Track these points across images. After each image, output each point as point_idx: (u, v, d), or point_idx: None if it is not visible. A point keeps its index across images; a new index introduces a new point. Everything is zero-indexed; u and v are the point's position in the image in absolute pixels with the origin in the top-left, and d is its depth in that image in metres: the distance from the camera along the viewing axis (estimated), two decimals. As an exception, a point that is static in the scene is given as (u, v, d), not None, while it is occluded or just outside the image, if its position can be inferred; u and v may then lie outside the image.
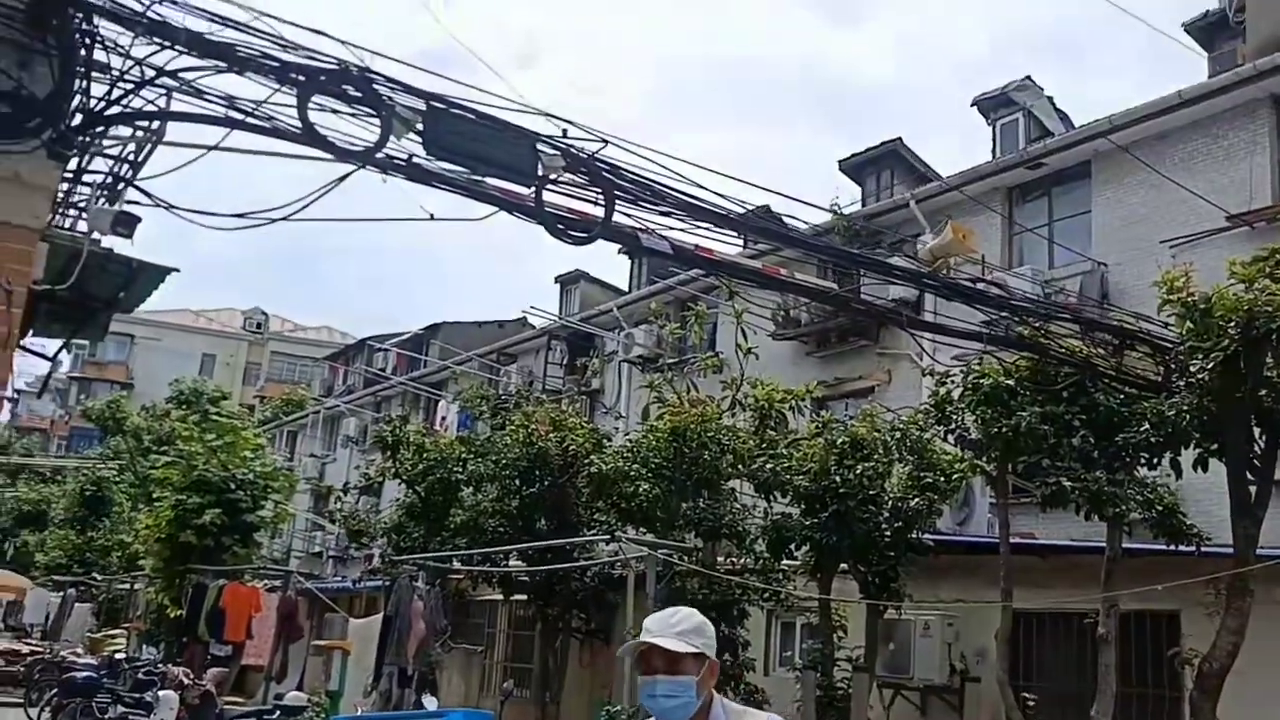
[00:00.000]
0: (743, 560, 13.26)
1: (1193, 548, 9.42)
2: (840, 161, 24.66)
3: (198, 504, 22.44)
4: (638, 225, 6.74)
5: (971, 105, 22.72)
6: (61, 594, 33.24)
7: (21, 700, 21.99)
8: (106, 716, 16.35)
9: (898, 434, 10.90)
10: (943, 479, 10.60)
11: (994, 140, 21.69)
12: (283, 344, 71.06)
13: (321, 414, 41.12)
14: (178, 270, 6.98)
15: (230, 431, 23.81)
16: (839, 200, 20.17)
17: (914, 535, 11.15)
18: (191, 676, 17.42)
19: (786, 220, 9.26)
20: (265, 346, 70.94)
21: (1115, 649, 9.39)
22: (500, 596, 18.39)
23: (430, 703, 12.83)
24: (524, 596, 17.17)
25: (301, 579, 19.85)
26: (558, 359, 30.08)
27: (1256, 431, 8.46)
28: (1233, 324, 7.80)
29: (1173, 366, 8.60)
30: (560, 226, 6.35)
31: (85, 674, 18.08)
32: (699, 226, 7.16)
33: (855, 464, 10.80)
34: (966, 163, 19.36)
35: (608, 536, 12.19)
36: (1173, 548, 9.53)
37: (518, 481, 15.75)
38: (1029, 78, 22.09)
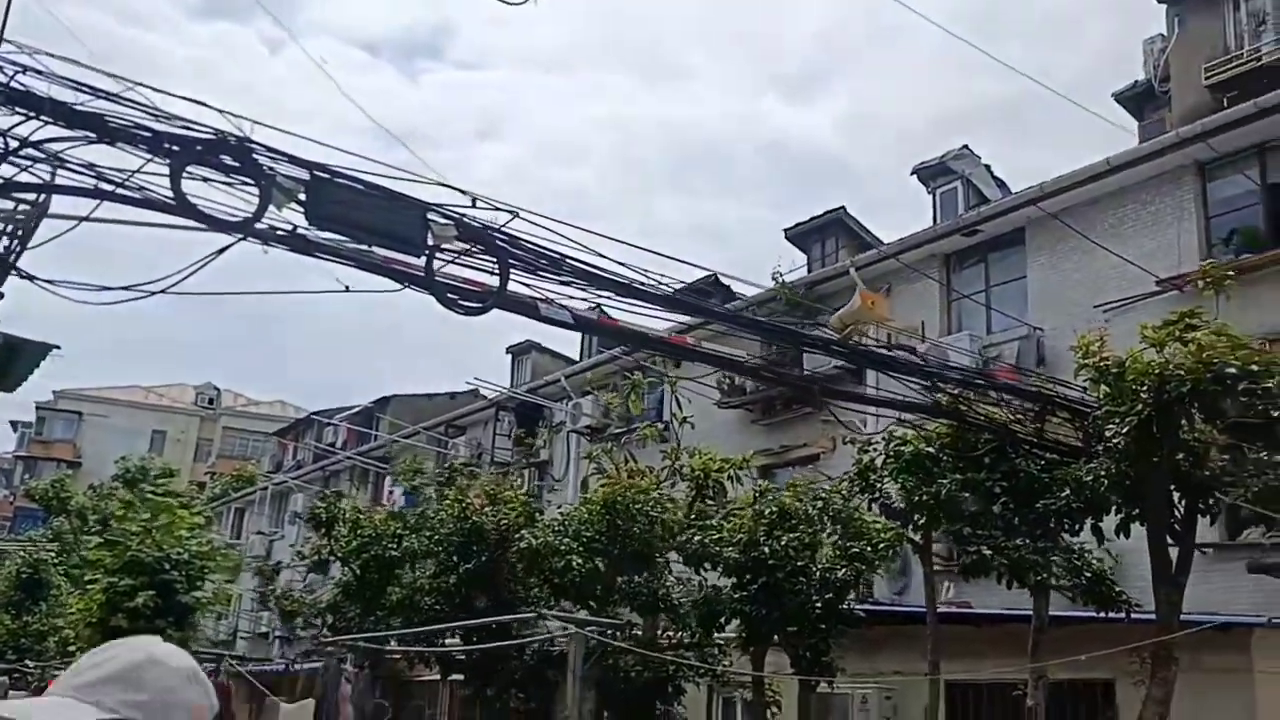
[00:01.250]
0: (679, 635, 12.99)
1: (1122, 614, 9.30)
2: (786, 230, 24.82)
3: (130, 586, 21.72)
4: (537, 295, 6.61)
5: (911, 174, 23.03)
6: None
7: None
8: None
9: (820, 503, 10.74)
10: (870, 549, 10.43)
11: (934, 208, 21.93)
12: (235, 419, 70.15)
13: (270, 490, 40.45)
14: (58, 348, 6.76)
15: (165, 510, 23.24)
16: (780, 268, 20.22)
17: (845, 606, 10.95)
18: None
19: (735, 287, 9.19)
20: (217, 422, 70.05)
21: (1046, 719, 9.21)
22: (439, 677, 17.91)
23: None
24: (461, 676, 16.71)
25: (234, 662, 19.24)
26: (506, 430, 29.83)
27: (1176, 496, 8.40)
28: (1145, 388, 7.76)
29: (1091, 432, 8.53)
30: (452, 296, 6.21)
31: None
32: (623, 300, 7.07)
33: (783, 534, 10.62)
34: (911, 230, 19.44)
35: (534, 614, 11.86)
36: (1103, 615, 9.41)
37: (455, 557, 15.41)
38: (966, 146, 22.43)
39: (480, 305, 6.26)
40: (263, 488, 40.76)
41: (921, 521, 9.30)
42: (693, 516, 12.19)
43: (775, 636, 11.12)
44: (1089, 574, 9.30)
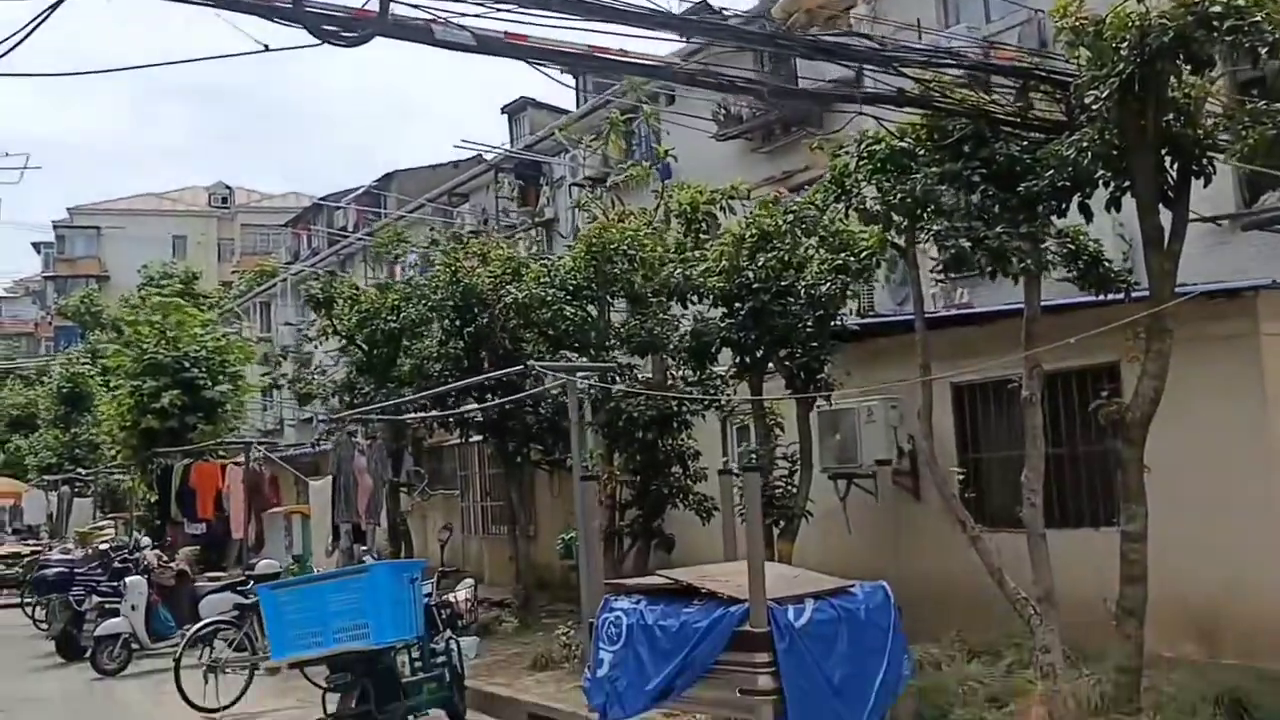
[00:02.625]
0: (681, 372, 12.82)
1: (1121, 295, 8.88)
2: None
3: (154, 388, 22.14)
4: (430, 15, 5.94)
5: None
6: (57, 493, 33.41)
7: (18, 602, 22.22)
8: (83, 608, 16.35)
9: (789, 217, 10.21)
10: (853, 259, 9.97)
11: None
12: (251, 215, 69.57)
13: (289, 281, 40.47)
14: None
15: (175, 310, 23.30)
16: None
17: (838, 322, 10.63)
18: (164, 559, 17.37)
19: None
20: (234, 221, 69.63)
21: (1045, 410, 8.96)
22: (459, 440, 18.12)
23: (368, 558, 12.60)
24: (480, 437, 16.86)
25: (260, 449, 19.62)
26: (508, 193, 29.22)
27: (1167, 160, 7.79)
28: (1125, 44, 7.03)
29: (1073, 103, 7.86)
30: (329, 28, 5.58)
31: (56, 569, 18.05)
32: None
33: (762, 256, 10.17)
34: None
35: (524, 368, 11.68)
36: (1102, 298, 9.00)
37: (457, 322, 15.20)
38: None
39: (358, 35, 5.62)
40: (282, 279, 40.79)
41: (903, 224, 8.78)
42: (674, 251, 11.73)
43: (769, 362, 10.86)
44: (1085, 257, 8.82)
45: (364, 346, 16.89)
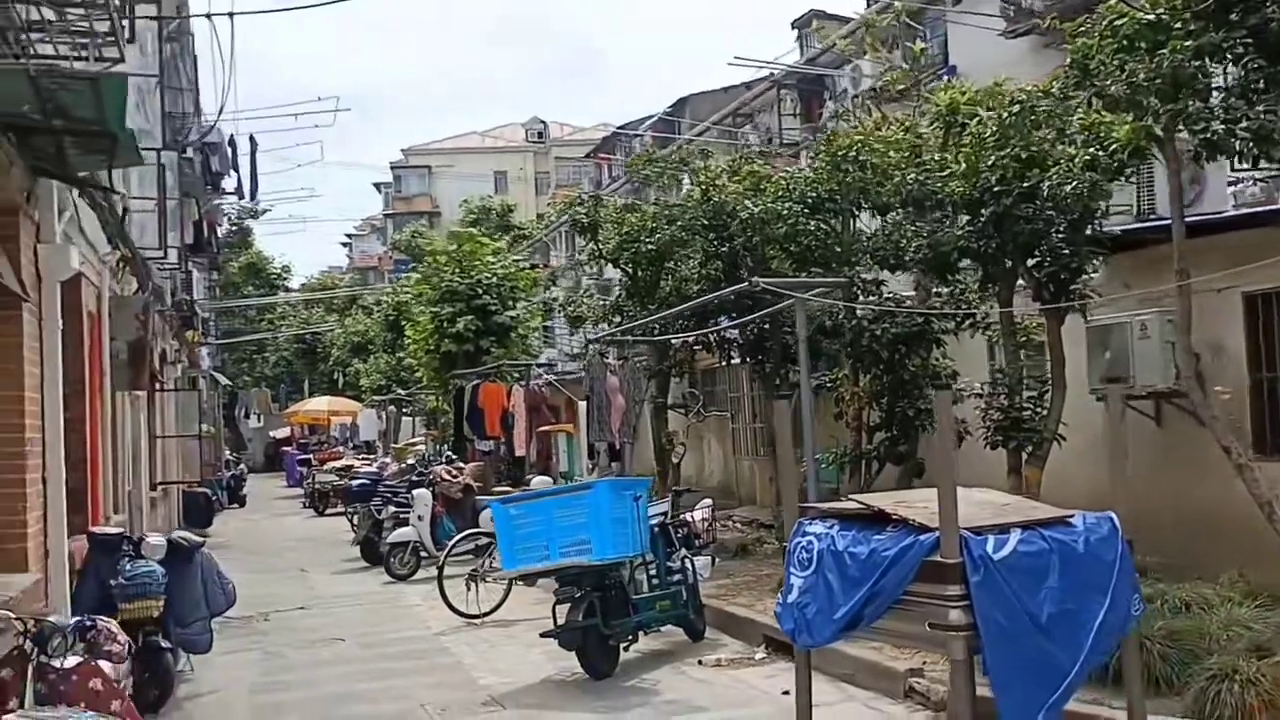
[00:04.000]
0: (934, 287, 12.01)
1: None
2: None
3: (450, 313, 23.52)
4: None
5: None
6: (385, 412, 36.42)
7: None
8: (380, 516, 17.72)
9: (1015, 108, 9.10)
10: (1102, 153, 8.82)
11: None
12: (565, 149, 72.06)
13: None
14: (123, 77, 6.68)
15: (468, 240, 24.54)
16: None
17: (1094, 227, 9.50)
18: (451, 473, 18.48)
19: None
20: (549, 155, 72.38)
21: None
22: (725, 362, 17.99)
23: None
24: (738, 359, 16.65)
25: (540, 370, 20.36)
26: (791, 110, 28.52)
27: None
28: None
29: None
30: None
31: (360, 482, 19.65)
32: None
33: (1003, 156, 9.19)
34: None
35: (748, 284, 11.27)
36: None
37: (715, 242, 14.97)
38: None
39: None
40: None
41: (1159, 110, 7.67)
42: (914, 157, 10.85)
43: (1017, 273, 9.90)
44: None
45: (628, 269, 17.03)
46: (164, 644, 9.54)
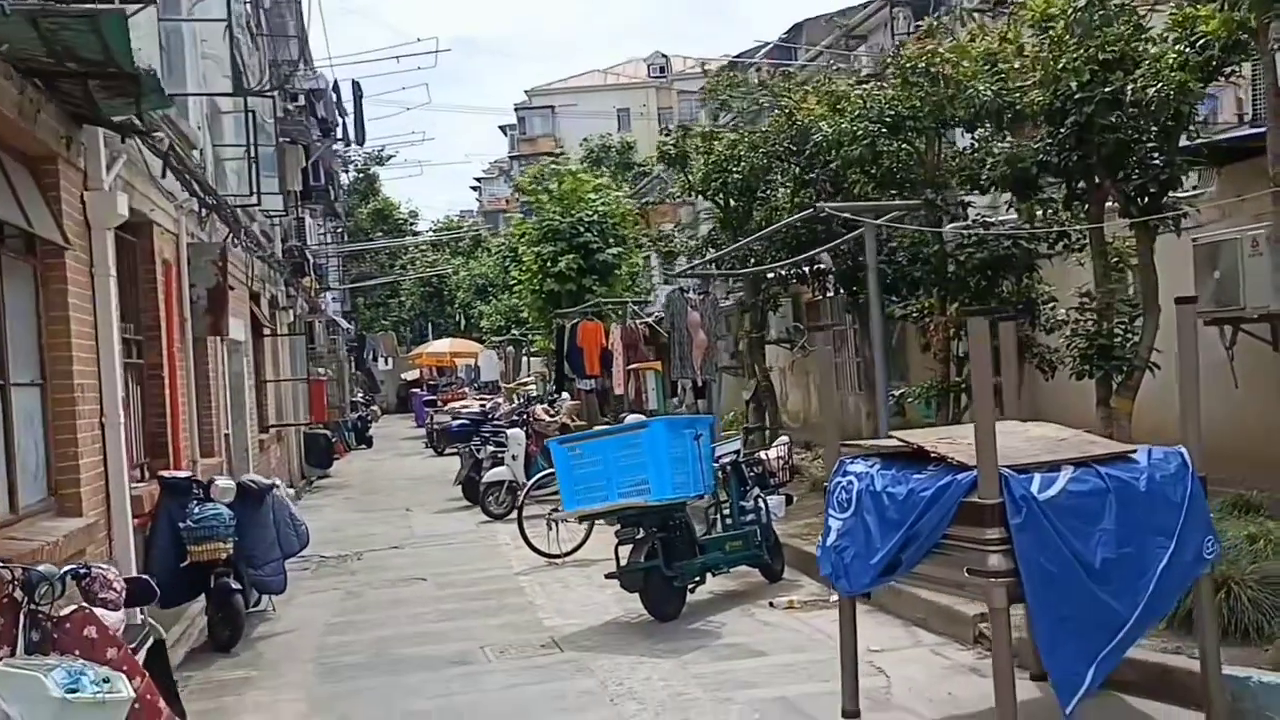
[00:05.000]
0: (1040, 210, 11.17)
1: None
2: None
3: (552, 252, 23.38)
4: None
5: None
6: (503, 352, 36.73)
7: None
8: (480, 456, 17.82)
9: (1083, 1, 8.20)
10: (1192, 50, 7.91)
11: None
12: (687, 82, 71.02)
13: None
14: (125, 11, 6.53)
15: (568, 176, 24.27)
16: None
17: (1190, 135, 8.60)
18: (550, 412, 18.43)
19: None
20: (672, 90, 71.46)
21: None
22: (813, 294, 17.37)
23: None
24: (833, 292, 16.03)
25: (635, 308, 20.07)
26: (905, 29, 27.23)
27: None
28: None
29: None
30: None
31: (460, 422, 19.79)
32: None
33: (1075, 58, 8.34)
34: None
35: (814, 209, 10.65)
36: None
37: (798, 169, 14.33)
38: None
39: None
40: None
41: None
42: (988, 64, 9.99)
43: (1103, 188, 9.06)
44: None
45: (718, 201, 16.52)
46: (235, 585, 9.70)
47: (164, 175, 10.18)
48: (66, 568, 5.40)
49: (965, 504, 5.81)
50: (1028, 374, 11.26)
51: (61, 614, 5.18)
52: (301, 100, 25.47)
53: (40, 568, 5.21)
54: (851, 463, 6.75)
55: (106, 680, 4.55)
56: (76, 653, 5.03)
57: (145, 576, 6.50)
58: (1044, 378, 11.08)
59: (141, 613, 6.74)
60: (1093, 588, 5.76)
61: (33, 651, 5.02)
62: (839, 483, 6.71)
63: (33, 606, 5.09)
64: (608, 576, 9.86)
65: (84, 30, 6.34)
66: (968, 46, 10.91)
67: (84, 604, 5.37)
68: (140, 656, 5.65)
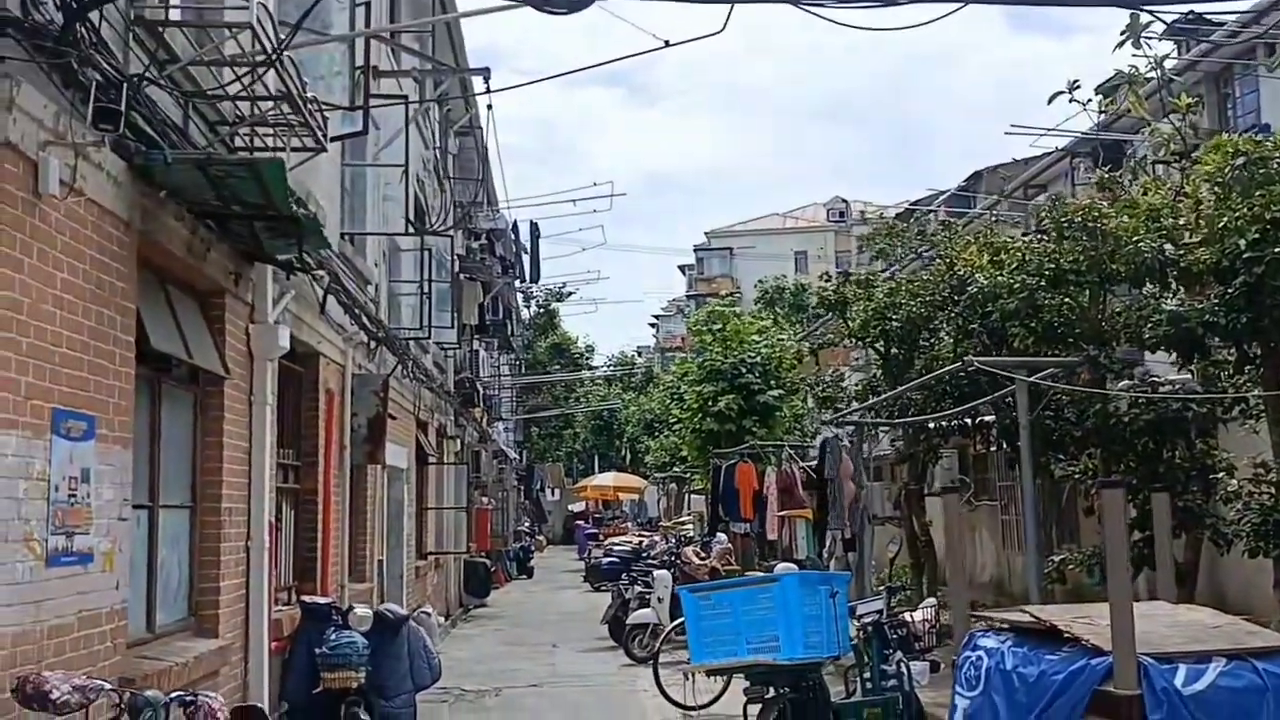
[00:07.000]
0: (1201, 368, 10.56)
1: None
2: None
3: (713, 392, 23.41)
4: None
5: None
6: (666, 489, 36.69)
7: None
8: (627, 596, 17.64)
9: (1241, 160, 7.75)
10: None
11: None
12: (865, 227, 71.19)
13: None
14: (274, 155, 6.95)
15: (733, 318, 24.43)
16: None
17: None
18: (700, 554, 18.19)
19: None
20: (849, 234, 71.77)
21: None
22: (975, 448, 16.71)
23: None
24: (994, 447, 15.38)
25: (793, 453, 19.75)
26: (1086, 179, 26.64)
27: None
28: None
29: None
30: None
31: (609, 560, 19.71)
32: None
33: (1238, 216, 7.89)
34: None
35: (960, 364, 10.28)
36: None
37: (962, 317, 13.99)
38: None
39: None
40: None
41: None
42: (1150, 219, 9.58)
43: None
44: None
45: (878, 348, 16.25)
46: (364, 716, 9.72)
47: (322, 310, 10.67)
48: (174, 694, 5.52)
49: (1099, 693, 5.37)
50: (1206, 549, 10.47)
51: (164, 741, 5.28)
52: (484, 239, 26.61)
53: (147, 693, 5.34)
54: (983, 636, 6.35)
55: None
56: (174, 778, 5.10)
57: (259, 705, 6.59)
58: (1218, 552, 10.26)
59: (257, 741, 6.79)
60: (1245, 798, 5.18)
61: (133, 775, 5.11)
62: (968, 657, 6.32)
63: (138, 732, 5.20)
64: (736, 736, 9.48)
65: (245, 177, 6.80)
66: (1139, 199, 10.54)
67: (188, 732, 5.46)
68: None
